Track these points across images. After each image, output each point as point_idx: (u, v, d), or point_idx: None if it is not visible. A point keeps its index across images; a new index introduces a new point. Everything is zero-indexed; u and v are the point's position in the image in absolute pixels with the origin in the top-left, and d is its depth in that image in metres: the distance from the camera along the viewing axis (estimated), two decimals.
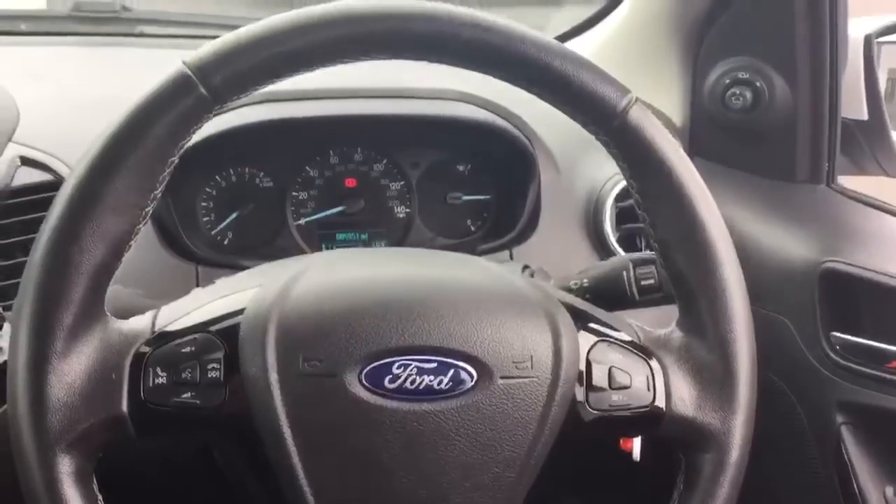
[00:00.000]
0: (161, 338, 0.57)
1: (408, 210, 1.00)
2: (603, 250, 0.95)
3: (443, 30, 0.55)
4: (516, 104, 0.98)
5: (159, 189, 0.56)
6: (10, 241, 0.84)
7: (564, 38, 1.19)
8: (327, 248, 0.99)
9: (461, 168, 1.01)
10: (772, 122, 0.97)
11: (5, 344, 0.61)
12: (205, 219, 0.96)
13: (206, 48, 0.55)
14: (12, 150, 0.88)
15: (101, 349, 0.55)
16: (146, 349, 0.56)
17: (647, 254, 0.75)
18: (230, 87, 0.54)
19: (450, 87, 0.97)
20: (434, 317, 0.56)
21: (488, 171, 1.01)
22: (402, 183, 1.00)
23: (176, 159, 0.56)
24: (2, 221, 0.84)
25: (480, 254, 0.94)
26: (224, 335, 0.56)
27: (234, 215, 0.97)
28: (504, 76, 0.58)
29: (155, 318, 0.60)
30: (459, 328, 0.56)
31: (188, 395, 0.55)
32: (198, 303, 0.60)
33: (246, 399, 0.55)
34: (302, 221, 0.98)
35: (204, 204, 0.96)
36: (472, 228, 1.02)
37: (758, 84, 0.97)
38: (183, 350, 0.56)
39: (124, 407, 0.55)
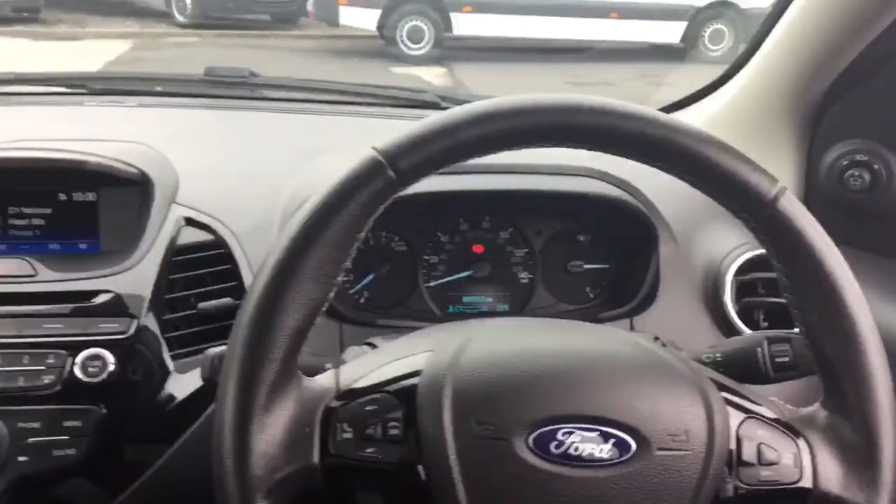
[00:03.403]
0: (346, 395, 0.63)
1: (531, 276, 1.05)
2: (722, 323, 0.98)
3: (607, 123, 0.61)
4: (638, 179, 1.03)
5: (349, 260, 0.62)
6: (176, 295, 0.92)
7: (677, 107, 1.24)
8: (454, 310, 1.04)
9: (582, 238, 1.06)
10: (891, 204, 1.00)
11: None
12: (344, 279, 1.03)
13: (394, 137, 0.62)
14: (177, 212, 0.97)
15: (297, 404, 0.61)
16: (334, 405, 0.62)
17: (781, 332, 0.78)
18: (415, 170, 0.61)
19: (577, 163, 1.03)
20: (596, 387, 0.61)
21: (608, 241, 1.06)
22: (526, 250, 1.05)
23: (363, 234, 0.62)
24: (170, 277, 0.92)
25: (602, 321, 0.98)
26: (402, 395, 0.62)
27: (371, 276, 1.03)
28: (663, 166, 0.64)
29: (338, 376, 0.66)
30: (620, 399, 0.60)
31: (371, 449, 0.61)
32: (376, 363, 0.66)
33: (422, 456, 0.60)
34: (432, 284, 1.04)
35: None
36: (591, 296, 1.06)
37: (875, 167, 1.00)
38: (366, 408, 0.62)
39: (315, 458, 0.61)
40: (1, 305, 0.86)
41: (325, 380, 0.65)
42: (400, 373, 0.64)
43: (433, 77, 7.55)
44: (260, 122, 1.39)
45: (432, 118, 0.62)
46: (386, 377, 0.64)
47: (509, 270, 1.05)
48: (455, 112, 0.62)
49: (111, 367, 0.84)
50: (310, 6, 8.97)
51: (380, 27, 8.52)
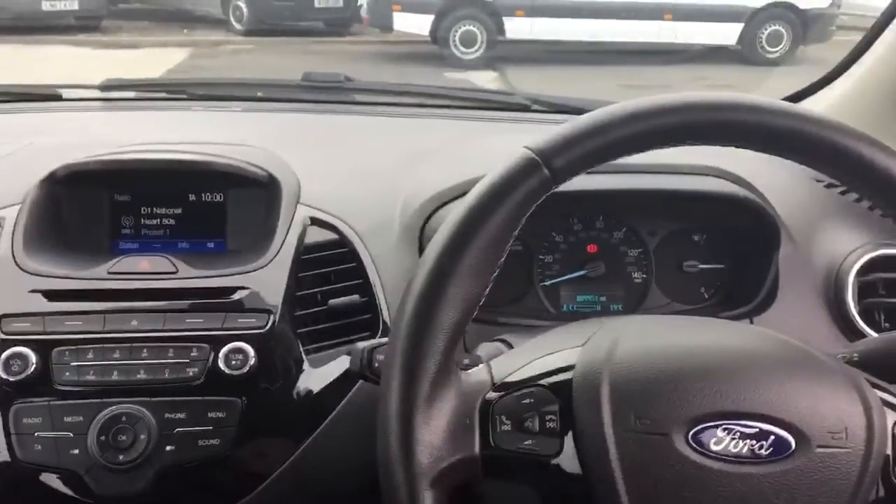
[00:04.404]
0: (502, 388, 0.65)
1: (644, 276, 1.06)
2: (844, 324, 0.98)
3: (760, 120, 0.62)
4: (754, 177, 1.03)
5: (504, 257, 0.64)
6: (304, 292, 0.95)
7: (798, 97, 1.23)
8: (568, 309, 1.05)
9: (696, 237, 1.07)
10: None
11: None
12: None
13: (548, 136, 0.63)
14: (302, 212, 1.00)
15: (457, 396, 0.63)
16: (491, 398, 0.64)
17: None
18: (569, 168, 0.62)
19: (700, 162, 1.03)
20: (755, 384, 0.61)
21: (724, 241, 1.06)
22: (640, 250, 1.06)
23: (517, 232, 0.64)
24: (299, 275, 0.95)
25: None
26: (557, 389, 0.64)
27: None
28: (812, 163, 0.64)
29: (491, 370, 0.67)
30: (778, 397, 0.60)
31: (529, 442, 0.62)
32: (526, 358, 0.68)
33: (581, 450, 0.61)
34: (547, 283, 1.06)
35: None
36: (706, 296, 1.06)
37: None
38: (523, 401, 0.64)
39: (477, 449, 0.62)
40: (146, 301, 0.90)
41: (479, 373, 0.67)
42: (553, 367, 0.66)
43: (486, 81, 7.56)
44: (357, 125, 1.42)
45: (585, 117, 0.63)
46: (539, 371, 0.66)
47: (623, 270, 1.06)
48: (608, 111, 0.63)
49: (252, 361, 0.86)
50: (363, 13, 9.06)
51: (433, 32, 8.58)
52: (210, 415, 0.86)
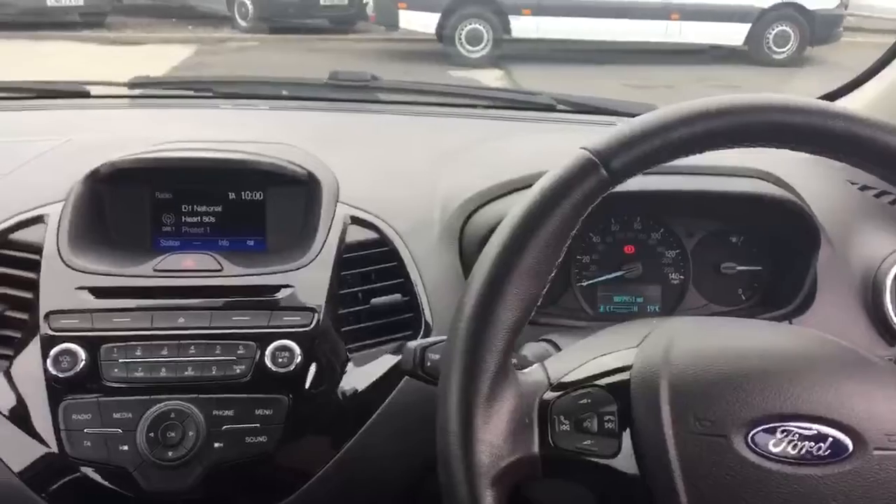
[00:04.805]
0: (559, 388, 0.65)
1: (682, 277, 1.06)
2: (882, 327, 0.98)
3: (815, 122, 0.62)
4: (792, 180, 1.04)
5: (562, 257, 0.64)
6: (345, 291, 0.95)
7: (833, 96, 1.23)
8: (605, 310, 1.06)
9: (734, 239, 1.07)
10: None
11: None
12: None
13: (605, 137, 0.63)
14: (342, 210, 1.01)
15: (516, 396, 0.63)
16: (549, 397, 0.64)
17: None
18: (626, 169, 0.63)
19: (738, 163, 1.03)
20: (812, 387, 0.61)
21: (761, 242, 1.06)
22: (678, 251, 1.06)
23: (575, 231, 0.64)
24: (341, 274, 0.95)
25: None
26: (614, 389, 0.64)
27: None
28: (865, 165, 0.64)
29: (546, 370, 0.68)
30: (835, 399, 0.61)
31: (588, 442, 0.63)
32: (581, 358, 0.68)
33: (639, 450, 0.62)
34: (584, 283, 1.06)
35: None
36: (744, 298, 1.07)
37: None
38: (580, 402, 0.64)
39: (536, 448, 0.63)
40: (192, 298, 0.91)
41: (535, 373, 0.67)
42: (609, 367, 0.66)
43: (491, 79, 7.56)
44: (385, 124, 1.42)
45: (642, 118, 0.64)
46: (595, 371, 0.66)
47: (660, 271, 1.06)
48: (665, 112, 0.63)
49: (298, 359, 0.87)
50: (369, 10, 9.07)
51: (438, 30, 8.58)
52: (257, 412, 0.86)
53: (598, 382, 0.65)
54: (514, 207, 0.64)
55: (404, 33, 9.06)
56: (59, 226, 0.94)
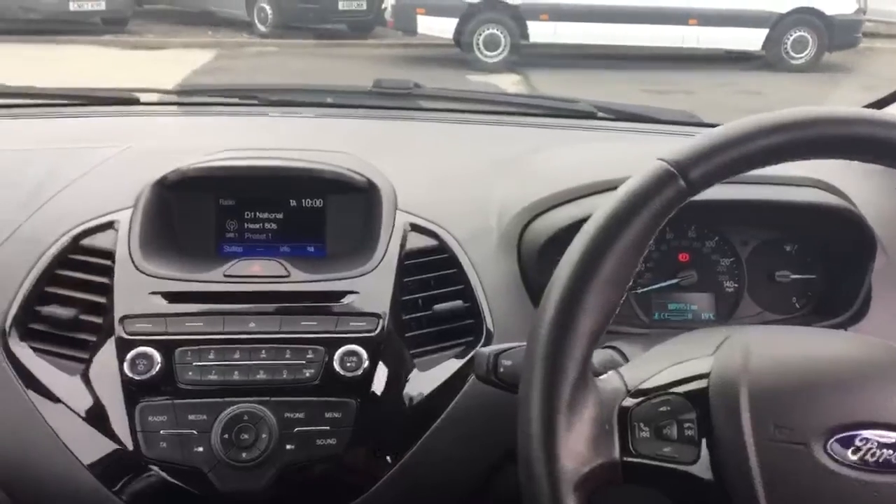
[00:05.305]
0: (637, 395, 0.66)
1: (736, 285, 1.07)
2: None
3: (890, 135, 0.63)
4: (846, 189, 1.05)
5: (638, 267, 0.65)
6: (407, 297, 0.97)
7: (881, 104, 1.24)
8: (660, 317, 1.07)
9: (788, 247, 1.08)
10: None
11: None
12: None
13: (684, 148, 0.65)
14: (401, 218, 1.03)
15: (596, 402, 0.65)
16: (628, 404, 0.66)
17: None
18: (705, 180, 0.64)
19: (796, 173, 1.04)
20: (890, 394, 0.63)
21: (816, 251, 1.07)
22: (732, 259, 1.07)
23: (652, 242, 0.66)
24: (403, 280, 0.97)
25: None
26: (692, 397, 0.65)
27: None
28: None
29: (622, 377, 0.69)
30: None
31: (668, 449, 0.64)
32: (657, 366, 0.69)
33: (718, 457, 0.63)
34: (639, 290, 1.07)
35: (552, 271, 1.06)
36: (798, 306, 1.08)
37: None
38: (660, 409, 0.65)
39: (617, 454, 0.64)
40: (262, 303, 0.93)
41: (612, 380, 0.69)
42: (686, 375, 0.67)
43: (509, 84, 7.59)
44: (430, 132, 1.44)
45: (721, 130, 0.65)
46: (672, 379, 0.67)
47: (715, 279, 1.07)
48: (743, 123, 0.65)
49: (365, 364, 0.89)
50: (388, 15, 9.12)
51: (456, 35, 8.62)
52: (327, 415, 0.88)
53: (675, 390, 0.66)
54: (593, 216, 0.65)
55: (422, 38, 9.11)
56: (129, 232, 0.96)
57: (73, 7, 9.37)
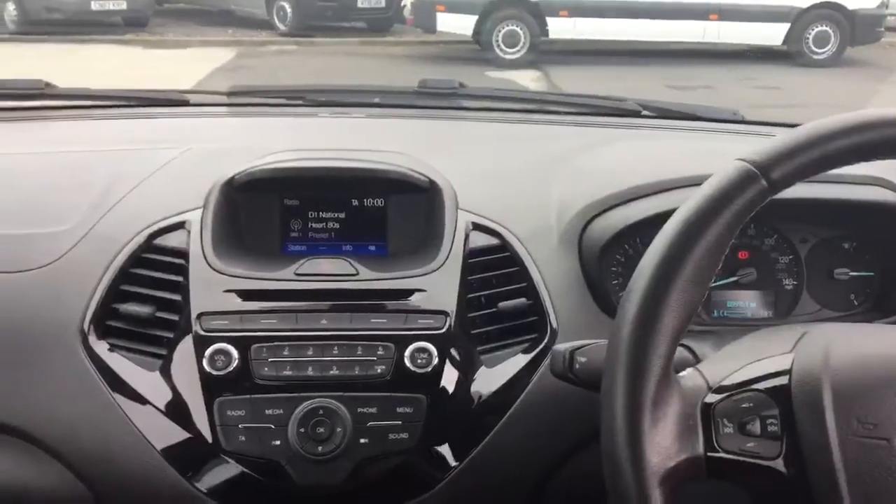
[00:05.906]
0: (719, 391, 0.68)
1: (795, 283, 1.08)
2: None
3: None
4: None
5: (720, 265, 0.67)
6: (474, 295, 0.99)
7: None
8: (719, 315, 1.08)
9: (846, 245, 1.09)
10: None
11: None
12: (613, 282, 1.08)
13: (765, 148, 0.66)
14: (463, 217, 1.04)
15: (679, 398, 0.66)
16: (710, 401, 0.67)
17: None
18: (786, 179, 0.65)
19: (857, 171, 1.05)
20: None
21: (874, 248, 1.08)
22: (791, 257, 1.08)
23: (732, 240, 0.67)
24: (467, 278, 0.99)
25: None
26: (774, 393, 0.66)
27: None
28: None
29: (702, 374, 0.71)
30: None
31: (751, 444, 0.65)
32: (737, 363, 0.70)
33: (802, 453, 0.64)
34: None
35: (614, 269, 1.08)
36: (856, 303, 1.08)
37: None
38: (742, 405, 0.67)
39: (701, 450, 0.65)
40: (333, 301, 0.95)
41: (693, 377, 0.70)
42: (766, 371, 0.68)
43: (528, 81, 7.59)
44: (478, 131, 1.46)
45: (802, 129, 0.66)
46: (753, 375, 0.68)
47: (774, 277, 1.08)
48: (825, 123, 0.66)
49: (435, 360, 0.91)
50: (407, 13, 9.14)
51: (475, 32, 8.62)
52: (399, 410, 0.90)
53: (756, 386, 0.67)
54: (675, 215, 0.67)
55: (441, 36, 9.12)
56: (201, 231, 0.98)
57: (94, 7, 9.47)
